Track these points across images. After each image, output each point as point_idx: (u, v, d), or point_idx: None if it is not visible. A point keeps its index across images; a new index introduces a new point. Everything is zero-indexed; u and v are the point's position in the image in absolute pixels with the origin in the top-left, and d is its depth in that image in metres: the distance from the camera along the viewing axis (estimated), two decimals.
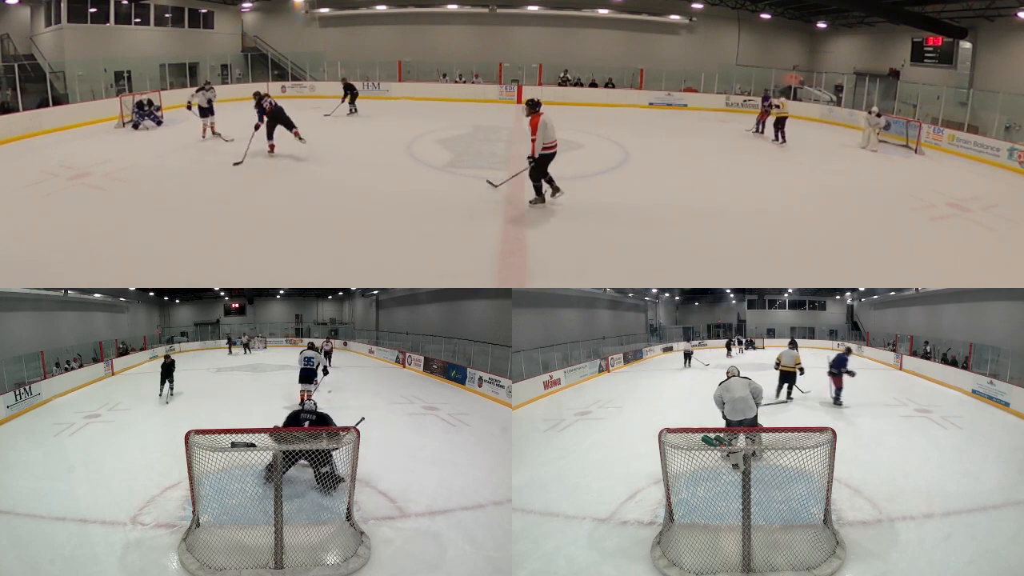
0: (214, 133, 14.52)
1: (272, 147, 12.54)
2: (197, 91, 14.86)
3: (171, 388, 12.26)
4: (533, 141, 8.86)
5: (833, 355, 11.39)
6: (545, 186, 9.33)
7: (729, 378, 7.10)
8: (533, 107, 8.89)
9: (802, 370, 11.34)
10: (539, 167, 9.10)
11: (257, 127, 12.34)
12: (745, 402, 6.82)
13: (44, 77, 18.26)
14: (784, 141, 16.27)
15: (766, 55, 26.28)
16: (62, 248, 7.94)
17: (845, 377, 10.92)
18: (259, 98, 12.55)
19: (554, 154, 9.11)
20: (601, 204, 10.32)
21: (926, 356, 15.88)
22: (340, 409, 8.11)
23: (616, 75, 24.99)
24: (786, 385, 11.40)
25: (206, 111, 14.56)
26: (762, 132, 17.45)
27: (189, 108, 14.89)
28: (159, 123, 16.36)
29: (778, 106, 16.75)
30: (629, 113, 22.21)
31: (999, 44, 19.46)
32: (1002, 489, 6.19)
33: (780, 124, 16.42)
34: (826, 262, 8.37)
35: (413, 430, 9.51)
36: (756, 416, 6.80)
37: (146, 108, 16.30)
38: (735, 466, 5.65)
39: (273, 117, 12.43)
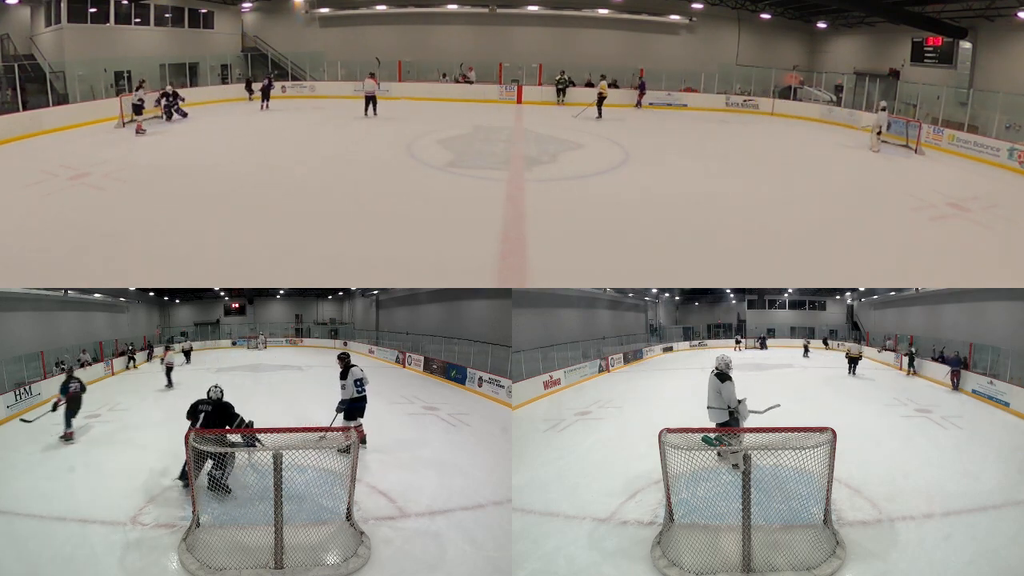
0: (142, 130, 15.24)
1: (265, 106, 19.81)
2: (138, 89, 15.89)
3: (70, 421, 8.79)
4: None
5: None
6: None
7: (712, 373, 6.84)
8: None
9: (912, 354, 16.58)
10: None
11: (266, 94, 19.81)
12: (711, 407, 6.67)
13: (44, 77, 18.24)
14: (600, 116, 19.52)
15: (766, 55, 26.26)
16: (62, 248, 7.94)
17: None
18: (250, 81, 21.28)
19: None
20: (601, 204, 10.33)
21: (910, 355, 16.76)
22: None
23: (616, 75, 24.95)
24: (852, 365, 16.71)
25: (140, 108, 15.41)
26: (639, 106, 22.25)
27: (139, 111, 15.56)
28: (184, 115, 16.96)
29: (601, 91, 20.01)
30: (629, 113, 22.21)
31: (999, 44, 19.45)
32: (1002, 489, 6.20)
33: (601, 102, 19.74)
34: (826, 262, 8.37)
35: (413, 430, 9.50)
36: (731, 422, 6.53)
37: (172, 98, 16.89)
38: (735, 466, 5.65)
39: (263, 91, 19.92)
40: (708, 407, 6.77)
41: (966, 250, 8.93)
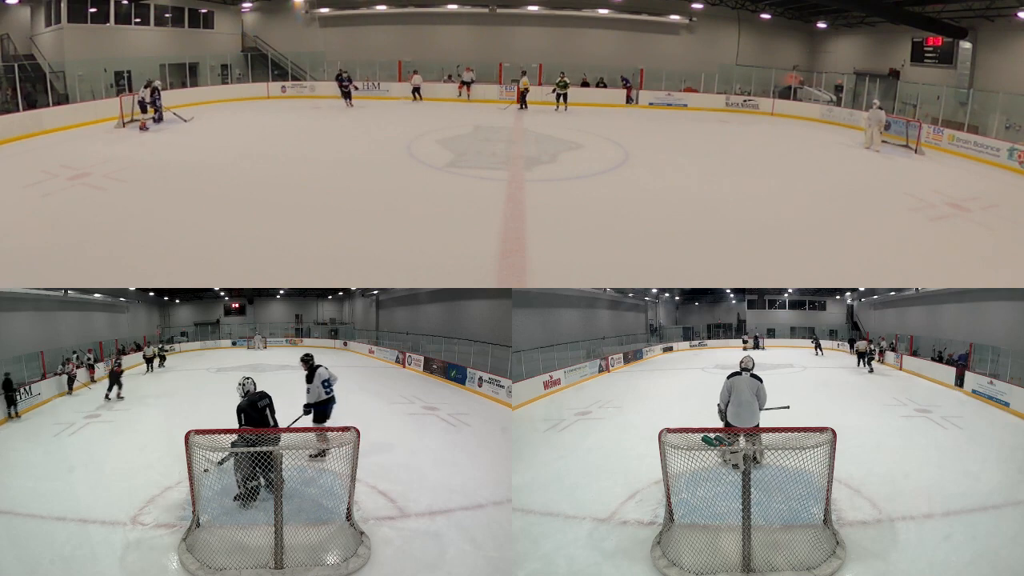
0: (144, 127, 15.40)
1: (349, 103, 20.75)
2: (146, 88, 15.84)
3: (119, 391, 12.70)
4: None
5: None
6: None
7: (740, 373, 6.68)
8: None
9: (872, 351, 18.15)
10: None
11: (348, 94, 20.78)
12: (750, 407, 6.50)
13: (44, 77, 18.25)
14: (525, 108, 21.06)
15: (766, 55, 26.26)
16: (62, 248, 7.94)
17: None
18: (342, 77, 21.12)
19: None
20: (601, 204, 10.33)
21: (868, 353, 17.94)
22: (340, 410, 8.08)
23: (616, 75, 24.97)
24: (860, 359, 18.24)
25: (144, 106, 15.56)
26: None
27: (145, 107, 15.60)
28: (160, 119, 16.06)
29: (524, 86, 21.46)
30: (629, 113, 22.22)
31: (999, 44, 19.45)
32: (1002, 489, 6.20)
33: (523, 95, 21.30)
34: (826, 262, 8.36)
35: (413, 430, 9.50)
36: (759, 423, 6.48)
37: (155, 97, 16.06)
38: (735, 466, 5.65)
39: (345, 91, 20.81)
40: (738, 410, 6.50)
41: (966, 250, 8.92)
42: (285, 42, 26.29)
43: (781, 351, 25.36)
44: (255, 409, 6.16)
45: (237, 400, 6.46)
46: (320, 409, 7.33)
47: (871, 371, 17.17)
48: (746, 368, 6.69)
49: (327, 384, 7.41)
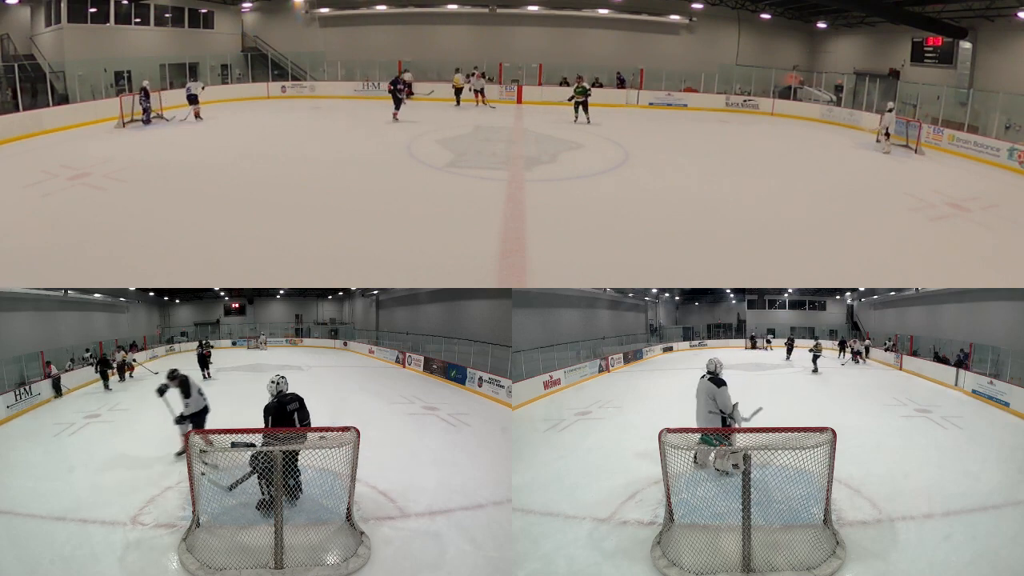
0: (198, 116, 16.94)
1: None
2: (196, 83, 17.60)
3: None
4: None
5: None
6: None
7: (703, 377, 6.67)
8: None
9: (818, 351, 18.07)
10: None
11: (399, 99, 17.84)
12: (702, 412, 6.44)
13: (44, 77, 18.26)
14: (458, 105, 21.25)
15: (766, 55, 26.27)
16: (62, 248, 7.94)
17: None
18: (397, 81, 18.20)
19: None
20: (601, 204, 10.33)
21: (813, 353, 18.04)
22: (340, 410, 8.13)
23: (615, 75, 24.96)
24: (854, 356, 19.46)
25: (194, 99, 16.87)
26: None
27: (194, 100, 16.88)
28: (147, 121, 16.01)
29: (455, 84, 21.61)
30: (628, 113, 22.21)
31: (999, 44, 19.45)
32: (1002, 489, 6.20)
33: (458, 93, 21.31)
34: (826, 262, 8.37)
35: (413, 430, 9.50)
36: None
37: (142, 101, 16.05)
38: (735, 466, 5.64)
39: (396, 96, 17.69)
40: (698, 413, 6.53)
41: (966, 250, 8.93)
42: (285, 42, 26.30)
43: (781, 351, 25.35)
44: (283, 412, 5.90)
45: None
46: (202, 418, 7.32)
47: (815, 370, 17.03)
48: (710, 371, 6.62)
49: (201, 392, 7.42)
